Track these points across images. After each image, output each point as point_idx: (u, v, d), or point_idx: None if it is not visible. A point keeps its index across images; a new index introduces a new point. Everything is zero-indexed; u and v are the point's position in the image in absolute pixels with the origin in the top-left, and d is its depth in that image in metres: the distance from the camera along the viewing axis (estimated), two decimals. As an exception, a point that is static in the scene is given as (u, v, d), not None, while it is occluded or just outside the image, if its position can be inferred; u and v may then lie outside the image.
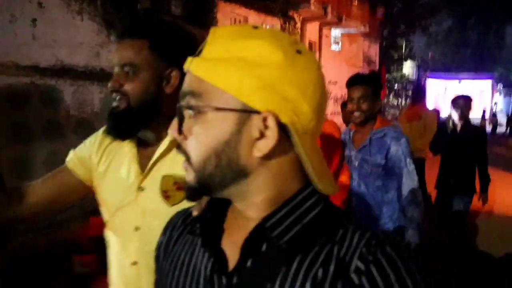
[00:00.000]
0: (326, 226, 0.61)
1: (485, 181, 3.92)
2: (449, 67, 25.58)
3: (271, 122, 0.57)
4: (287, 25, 8.16)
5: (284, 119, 0.58)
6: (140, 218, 1.17)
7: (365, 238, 0.58)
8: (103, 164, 1.26)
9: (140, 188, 1.17)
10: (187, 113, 0.61)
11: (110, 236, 1.25)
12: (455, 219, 3.97)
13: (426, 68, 23.79)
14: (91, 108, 4.90)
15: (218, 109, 0.58)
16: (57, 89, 4.57)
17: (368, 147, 2.46)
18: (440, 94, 22.91)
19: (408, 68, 19.92)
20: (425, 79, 23.21)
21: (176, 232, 0.76)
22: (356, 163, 2.52)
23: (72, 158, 1.30)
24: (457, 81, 23.44)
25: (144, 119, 1.14)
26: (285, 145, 0.60)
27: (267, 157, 0.60)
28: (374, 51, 14.64)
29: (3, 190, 1.22)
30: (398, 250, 0.57)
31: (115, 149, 1.25)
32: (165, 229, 0.79)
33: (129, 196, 1.18)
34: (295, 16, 8.39)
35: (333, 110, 10.14)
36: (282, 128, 0.58)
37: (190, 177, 0.62)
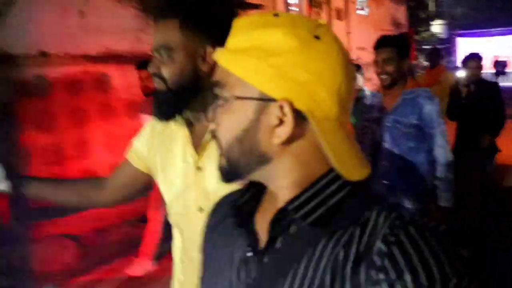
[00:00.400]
0: (352, 208, 0.61)
1: (498, 125, 3.84)
2: (480, 24, 24.71)
3: (286, 109, 0.59)
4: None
5: (300, 106, 0.59)
6: (203, 199, 1.17)
7: (389, 220, 0.58)
8: (158, 151, 1.28)
9: (198, 168, 1.18)
10: (218, 102, 0.65)
11: (174, 220, 1.28)
12: (481, 186, 3.87)
13: (456, 26, 23.10)
14: (138, 90, 5.28)
15: (239, 98, 0.62)
16: (106, 74, 4.96)
17: (401, 108, 2.45)
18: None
19: (437, 27, 19.45)
20: (455, 38, 22.60)
21: (219, 213, 0.79)
22: (389, 125, 2.50)
23: (130, 150, 1.36)
24: (489, 37, 22.70)
25: (185, 99, 1.15)
26: (306, 131, 0.61)
27: (287, 143, 0.61)
28: (401, 13, 14.44)
29: (94, 180, 1.42)
30: (422, 231, 0.56)
31: (167, 134, 1.27)
32: (212, 211, 0.82)
33: (189, 177, 1.20)
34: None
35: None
36: (300, 115, 0.60)
37: (222, 161, 0.66)
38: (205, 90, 1.13)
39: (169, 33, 1.10)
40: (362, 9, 11.44)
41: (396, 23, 13.78)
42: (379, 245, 0.56)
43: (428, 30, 18.81)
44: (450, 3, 21.12)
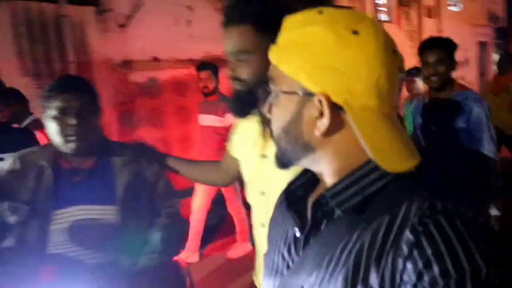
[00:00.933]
0: (389, 198, 0.62)
1: None
2: None
3: (324, 103, 0.62)
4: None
5: (337, 99, 0.61)
6: (265, 183, 1.26)
7: (420, 209, 0.58)
8: (240, 141, 1.42)
9: (263, 156, 1.27)
10: (271, 96, 0.70)
11: (249, 199, 1.38)
12: None
13: None
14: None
15: (284, 92, 0.66)
16: (208, 76, 5.54)
17: (448, 111, 2.38)
18: None
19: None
20: None
21: (283, 197, 0.82)
22: (434, 129, 2.45)
23: (230, 142, 1.51)
24: None
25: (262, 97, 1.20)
26: (345, 123, 0.63)
27: (328, 134, 0.64)
28: (499, 5, 13.60)
29: (214, 163, 1.63)
30: (452, 220, 0.55)
31: (247, 125, 1.38)
32: (282, 192, 0.85)
33: (256, 164, 1.30)
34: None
35: (455, 74, 9.88)
36: (339, 107, 0.62)
37: (276, 149, 0.73)
38: None
39: (245, 37, 1.14)
40: (455, 5, 11.03)
41: (493, 17, 13.00)
42: (407, 234, 0.56)
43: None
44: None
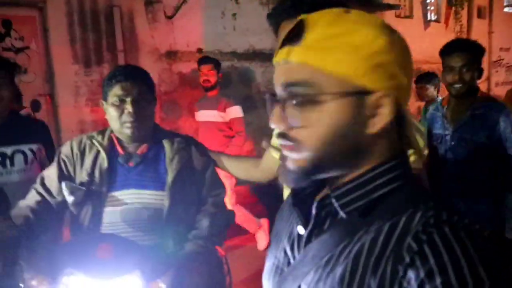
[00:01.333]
0: (394, 203, 0.61)
1: None
2: None
3: (385, 100, 0.60)
4: (454, -8, 8.06)
5: (393, 96, 0.60)
6: None
7: (424, 218, 0.57)
8: None
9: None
10: (290, 103, 0.61)
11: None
12: None
13: None
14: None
15: (335, 94, 0.59)
16: (250, 70, 5.59)
17: (469, 124, 2.15)
18: None
19: None
20: None
21: (291, 194, 0.81)
22: (452, 143, 2.21)
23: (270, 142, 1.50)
24: None
25: None
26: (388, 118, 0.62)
27: (377, 134, 0.62)
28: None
29: (254, 159, 1.67)
30: (457, 231, 0.55)
31: None
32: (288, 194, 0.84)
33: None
34: (463, -18, 8.21)
35: (505, 79, 9.55)
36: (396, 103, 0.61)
37: (300, 162, 0.63)
38: None
39: None
40: (511, 6, 10.57)
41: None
42: (409, 241, 0.56)
43: None
44: None
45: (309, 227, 0.69)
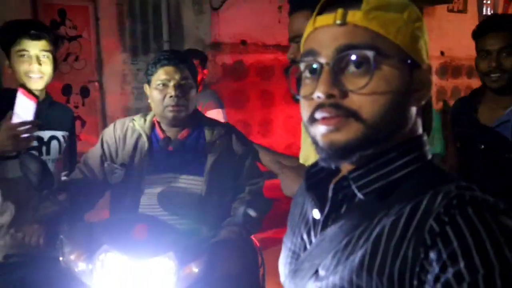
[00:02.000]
0: (414, 185, 0.59)
1: None
2: None
3: (430, 75, 0.62)
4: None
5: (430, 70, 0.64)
6: None
7: (446, 199, 0.55)
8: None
9: None
10: (348, 67, 0.59)
11: None
12: None
13: None
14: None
15: (396, 60, 0.59)
16: (294, 63, 5.55)
17: (509, 123, 1.65)
18: None
19: None
20: None
21: (304, 179, 0.77)
22: (482, 147, 1.73)
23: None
24: None
25: None
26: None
27: (419, 108, 0.63)
28: None
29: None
30: (481, 212, 0.52)
31: None
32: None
33: None
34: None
35: None
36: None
37: (353, 133, 0.59)
38: None
39: (303, 23, 1.27)
40: None
41: None
42: (431, 223, 0.54)
43: None
44: None
45: (326, 211, 0.67)
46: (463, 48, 6.62)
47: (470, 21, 7.57)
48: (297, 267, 0.69)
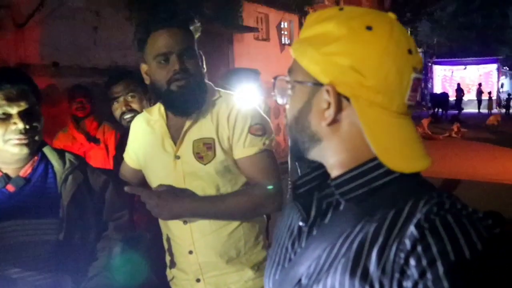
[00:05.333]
0: (395, 193, 0.61)
1: None
2: (454, 52, 25.86)
3: (331, 93, 0.62)
4: (304, 20, 8.80)
5: (343, 91, 0.62)
6: (182, 182, 1.31)
7: (427, 206, 0.56)
8: (143, 148, 1.42)
9: (177, 157, 1.32)
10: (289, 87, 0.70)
11: None
12: None
13: (432, 54, 24.15)
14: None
15: (297, 82, 0.68)
16: (114, 86, 5.25)
17: None
18: (447, 77, 23.41)
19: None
20: (431, 66, 23.62)
21: (290, 191, 0.80)
22: None
23: (126, 152, 1.51)
24: (462, 66, 23.76)
25: (202, 93, 1.31)
26: (354, 116, 0.63)
27: (335, 125, 0.64)
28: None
29: None
30: (460, 219, 0.53)
31: (148, 133, 1.40)
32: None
33: (169, 166, 1.33)
34: (311, 11, 9.02)
35: None
36: (347, 100, 0.63)
37: (289, 140, 0.72)
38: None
39: (188, 37, 1.28)
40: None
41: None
42: (411, 229, 0.55)
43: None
44: (427, 33, 22.10)
45: (310, 219, 0.69)
46: (269, 71, 7.30)
47: (273, 48, 8.43)
48: (282, 277, 0.70)
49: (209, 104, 1.33)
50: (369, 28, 0.61)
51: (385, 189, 0.62)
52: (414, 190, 0.61)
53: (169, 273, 1.45)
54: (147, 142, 1.40)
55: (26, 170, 1.23)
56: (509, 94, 22.04)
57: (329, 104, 0.63)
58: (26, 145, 1.18)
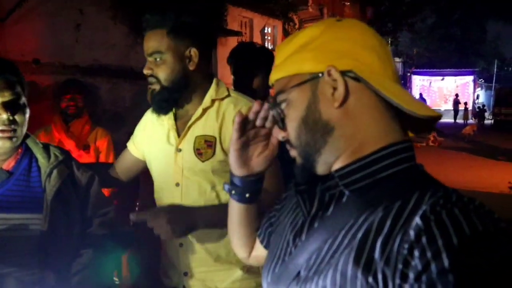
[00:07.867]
0: (400, 185, 0.61)
1: None
2: (433, 63, 26.44)
3: (334, 73, 0.64)
4: (288, 26, 8.87)
5: (344, 67, 0.64)
6: (180, 175, 1.34)
7: (433, 198, 0.56)
8: (149, 138, 1.46)
9: (178, 150, 1.35)
10: (280, 110, 0.71)
11: (157, 193, 1.45)
12: None
13: (412, 64, 24.65)
14: (123, 103, 5.52)
15: (293, 87, 0.68)
16: (95, 86, 5.18)
17: None
18: (425, 87, 23.90)
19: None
20: (410, 75, 24.09)
21: (292, 185, 0.82)
22: None
23: (130, 140, 1.55)
24: (440, 77, 24.30)
25: (177, 94, 1.32)
26: (363, 92, 0.65)
27: (345, 106, 0.65)
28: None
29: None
30: (468, 213, 0.52)
31: (157, 124, 1.44)
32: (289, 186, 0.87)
33: (170, 157, 1.36)
34: (294, 17, 9.13)
35: None
36: (351, 77, 0.65)
37: (296, 158, 0.70)
38: (193, 87, 1.34)
39: (159, 40, 1.28)
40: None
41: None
42: (416, 220, 0.54)
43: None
44: (407, 43, 22.55)
45: (313, 211, 0.69)
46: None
47: (256, 53, 8.46)
48: (280, 271, 0.69)
49: (217, 101, 1.35)
50: (339, 20, 0.70)
51: (389, 180, 0.62)
52: (420, 182, 0.61)
53: (162, 266, 1.49)
54: (154, 132, 1.44)
55: (9, 163, 1.21)
56: (483, 105, 22.63)
57: (334, 85, 0.64)
58: (9, 138, 1.16)
